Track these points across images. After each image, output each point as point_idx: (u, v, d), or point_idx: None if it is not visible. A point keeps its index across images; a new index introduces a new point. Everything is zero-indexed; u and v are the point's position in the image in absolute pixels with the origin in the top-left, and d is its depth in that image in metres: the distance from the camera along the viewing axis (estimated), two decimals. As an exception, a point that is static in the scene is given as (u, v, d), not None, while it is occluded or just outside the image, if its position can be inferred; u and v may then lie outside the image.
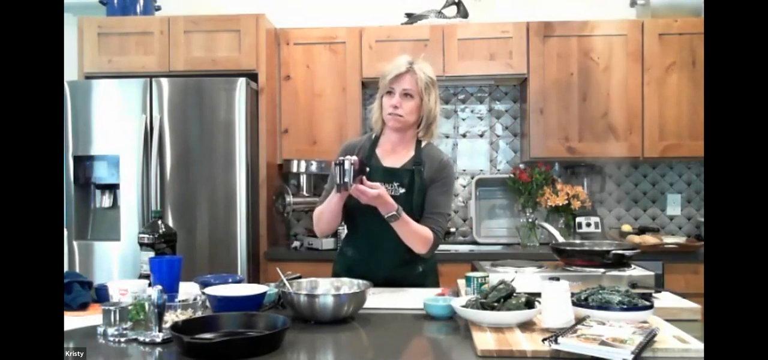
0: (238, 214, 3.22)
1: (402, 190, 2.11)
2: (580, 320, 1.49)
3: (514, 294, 1.63)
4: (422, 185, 2.12)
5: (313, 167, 3.55)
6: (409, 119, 2.13)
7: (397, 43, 3.55)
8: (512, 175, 3.66)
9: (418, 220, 2.09)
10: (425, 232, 2.08)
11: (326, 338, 1.57)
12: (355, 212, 2.13)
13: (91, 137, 3.27)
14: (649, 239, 3.30)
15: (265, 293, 1.80)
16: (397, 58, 2.16)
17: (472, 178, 3.85)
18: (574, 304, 1.54)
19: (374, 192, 1.94)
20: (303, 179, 3.58)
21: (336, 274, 2.20)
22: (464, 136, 3.90)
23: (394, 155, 2.18)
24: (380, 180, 2.08)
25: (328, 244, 3.43)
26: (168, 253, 2.05)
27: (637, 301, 1.55)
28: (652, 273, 1.94)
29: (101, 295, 1.89)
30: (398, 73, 2.11)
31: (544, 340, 1.35)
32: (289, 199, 3.40)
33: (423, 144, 2.19)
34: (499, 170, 3.89)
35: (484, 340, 1.43)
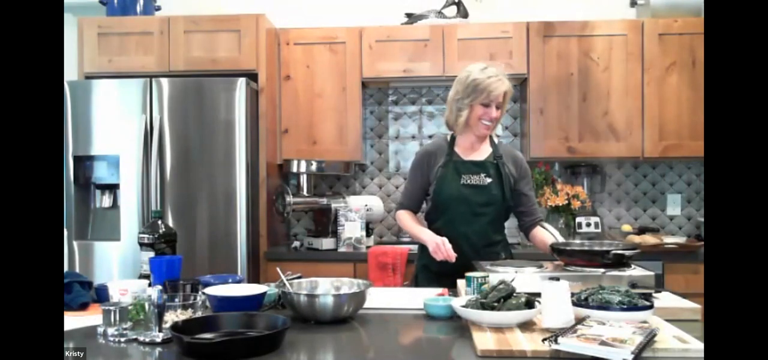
0: (238, 214, 3.22)
1: (489, 180, 2.38)
2: (580, 320, 1.49)
3: (514, 294, 1.63)
4: (508, 176, 2.41)
5: (313, 167, 3.54)
6: (496, 127, 2.46)
7: (397, 43, 3.55)
8: (512, 175, 3.65)
9: (508, 205, 2.42)
10: (547, 233, 2.40)
11: (326, 338, 1.57)
12: (442, 208, 2.37)
13: (91, 137, 3.27)
14: (649, 239, 3.29)
15: (265, 293, 1.80)
16: (492, 71, 2.34)
17: (472, 178, 3.85)
18: (574, 304, 1.54)
19: None
20: (303, 179, 3.58)
21: (425, 267, 2.41)
22: (464, 136, 3.90)
23: (473, 151, 2.44)
24: (467, 173, 2.37)
25: (328, 244, 3.43)
26: (168, 253, 2.05)
27: (637, 301, 1.55)
28: (652, 273, 1.93)
29: (101, 295, 1.90)
30: (500, 91, 2.33)
31: (544, 340, 1.35)
32: (289, 199, 3.40)
33: (495, 141, 2.49)
34: (499, 170, 3.88)
35: (484, 340, 1.43)
